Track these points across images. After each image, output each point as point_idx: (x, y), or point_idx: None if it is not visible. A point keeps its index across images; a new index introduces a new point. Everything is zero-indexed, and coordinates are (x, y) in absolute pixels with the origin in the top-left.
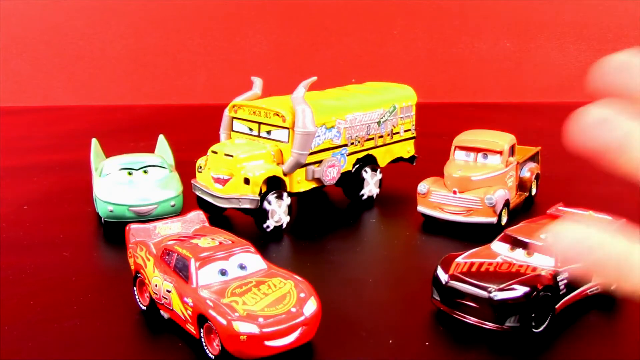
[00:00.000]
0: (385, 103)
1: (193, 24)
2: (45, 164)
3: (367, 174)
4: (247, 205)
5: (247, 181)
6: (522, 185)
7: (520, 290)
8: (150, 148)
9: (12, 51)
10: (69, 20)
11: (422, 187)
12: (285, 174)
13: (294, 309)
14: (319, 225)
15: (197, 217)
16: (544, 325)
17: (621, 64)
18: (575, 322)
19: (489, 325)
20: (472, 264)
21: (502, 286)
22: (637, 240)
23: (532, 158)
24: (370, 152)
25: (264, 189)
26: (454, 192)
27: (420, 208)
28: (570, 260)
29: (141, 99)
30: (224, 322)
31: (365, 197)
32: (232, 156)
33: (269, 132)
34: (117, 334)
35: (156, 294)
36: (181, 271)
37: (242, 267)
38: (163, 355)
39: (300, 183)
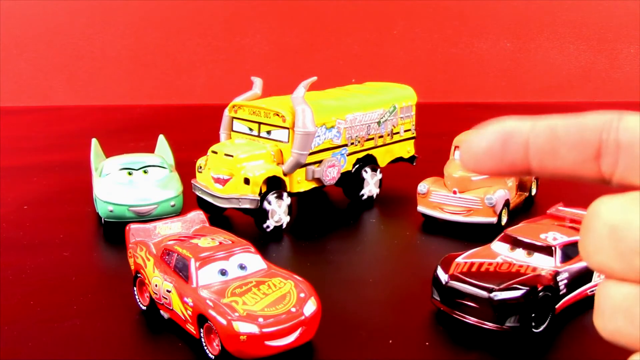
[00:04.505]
0: (385, 103)
1: (193, 24)
2: (45, 164)
3: (367, 174)
4: (247, 205)
5: (247, 181)
6: (522, 185)
7: (520, 290)
8: (150, 148)
9: (12, 51)
10: (69, 20)
11: (422, 187)
12: (285, 174)
13: (294, 309)
14: (319, 225)
15: (197, 217)
16: (544, 325)
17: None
18: (575, 322)
19: (489, 325)
20: (472, 264)
21: (502, 286)
22: None
23: None
24: (370, 152)
25: (264, 189)
26: (454, 192)
27: (420, 208)
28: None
29: (141, 99)
30: (224, 322)
31: (365, 197)
32: (232, 156)
33: (269, 132)
34: (117, 334)
35: (156, 294)
36: (181, 271)
37: (242, 267)
38: (163, 355)
39: (300, 183)
